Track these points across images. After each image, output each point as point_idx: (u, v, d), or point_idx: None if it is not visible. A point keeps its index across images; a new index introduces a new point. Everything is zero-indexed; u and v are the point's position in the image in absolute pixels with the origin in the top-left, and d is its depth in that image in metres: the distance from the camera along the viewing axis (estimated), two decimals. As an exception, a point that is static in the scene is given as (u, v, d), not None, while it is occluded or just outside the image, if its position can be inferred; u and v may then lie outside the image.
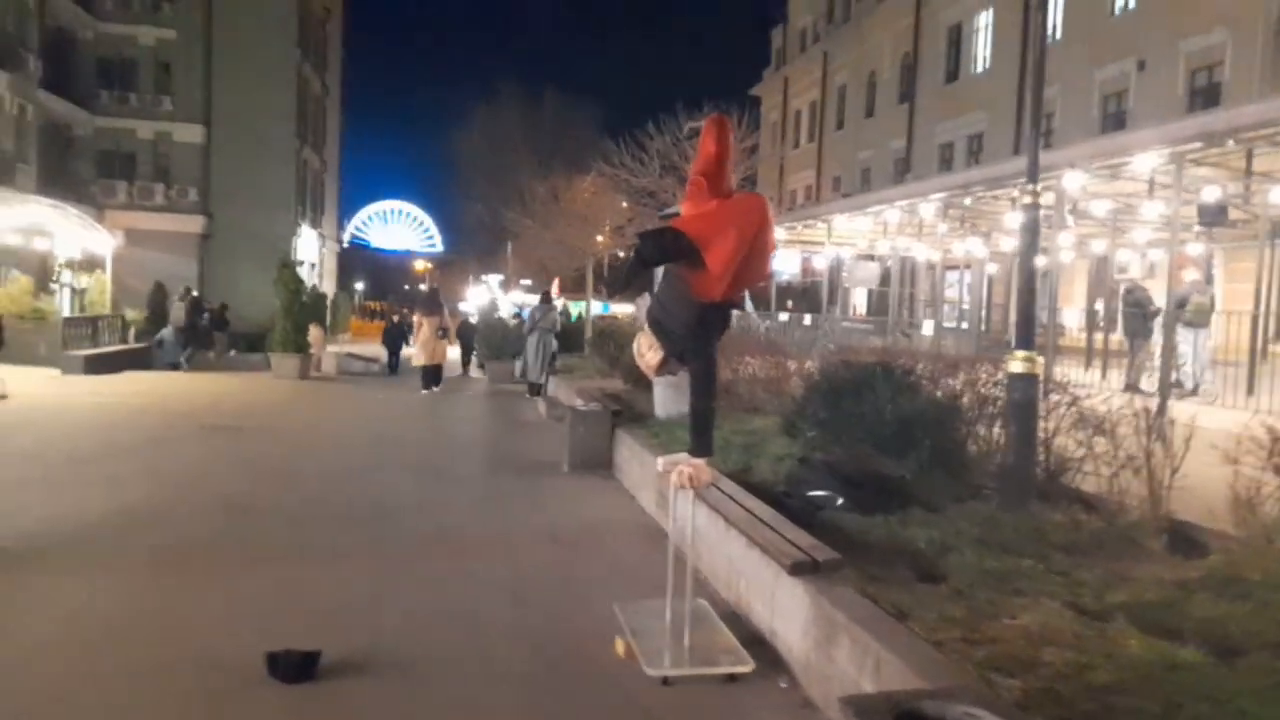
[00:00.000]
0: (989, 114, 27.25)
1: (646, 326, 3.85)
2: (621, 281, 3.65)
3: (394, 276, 76.32)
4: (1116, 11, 22.64)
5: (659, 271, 8.63)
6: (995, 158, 25.84)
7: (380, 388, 16.77)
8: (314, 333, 18.25)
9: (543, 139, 41.95)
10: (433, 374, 15.15)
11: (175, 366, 18.59)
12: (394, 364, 20.79)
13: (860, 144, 34.53)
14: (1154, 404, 8.75)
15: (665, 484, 5.64)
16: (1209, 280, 14.27)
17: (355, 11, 49.32)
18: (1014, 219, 15.95)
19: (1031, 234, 4.77)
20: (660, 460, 4.11)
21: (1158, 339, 12.18)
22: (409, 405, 14.01)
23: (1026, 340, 4.75)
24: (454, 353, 19.99)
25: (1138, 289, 12.46)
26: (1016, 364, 4.71)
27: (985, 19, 27.97)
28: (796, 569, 3.74)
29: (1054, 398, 5.20)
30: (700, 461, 3.84)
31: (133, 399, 12.99)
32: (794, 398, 6.44)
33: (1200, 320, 10.75)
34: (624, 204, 21.72)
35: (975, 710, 2.23)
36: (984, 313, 23.11)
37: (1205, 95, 20.09)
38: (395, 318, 27.35)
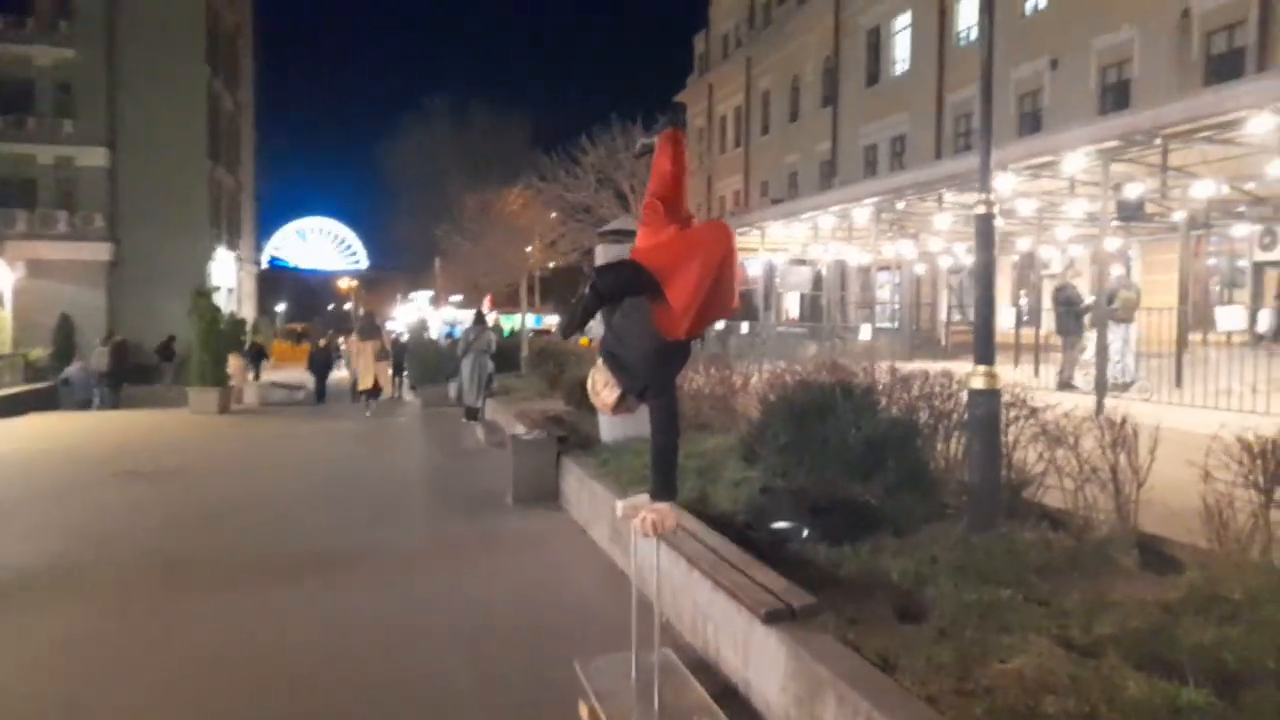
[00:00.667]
0: (910, 115, 27.74)
1: (600, 361, 3.56)
2: (575, 319, 3.32)
3: (317, 297, 74.46)
4: (1029, 11, 23.24)
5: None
6: (917, 158, 26.33)
7: (307, 418, 16.10)
8: (233, 363, 17.46)
9: (471, 150, 41.28)
10: (373, 394, 16.44)
11: (85, 405, 17.57)
12: (321, 391, 20.01)
13: (786, 148, 34.85)
14: (1090, 401, 8.89)
15: (625, 525, 5.39)
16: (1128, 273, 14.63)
17: (267, 26, 47.79)
18: (942, 220, 16.17)
19: (987, 243, 4.63)
20: (619, 505, 3.82)
21: (1089, 336, 12.42)
22: (340, 436, 13.43)
23: (986, 355, 4.60)
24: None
25: (1068, 287, 12.65)
26: (978, 379, 4.56)
27: (903, 21, 28.49)
28: (771, 617, 3.50)
29: (1011, 411, 5.07)
30: (664, 506, 3.56)
31: (37, 443, 12.18)
32: (749, 420, 6.23)
33: (1128, 315, 10.94)
34: (553, 215, 21.40)
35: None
36: (914, 312, 23.51)
37: (1116, 92, 20.76)
38: (321, 341, 26.15)
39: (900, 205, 14.30)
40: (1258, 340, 14.66)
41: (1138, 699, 2.73)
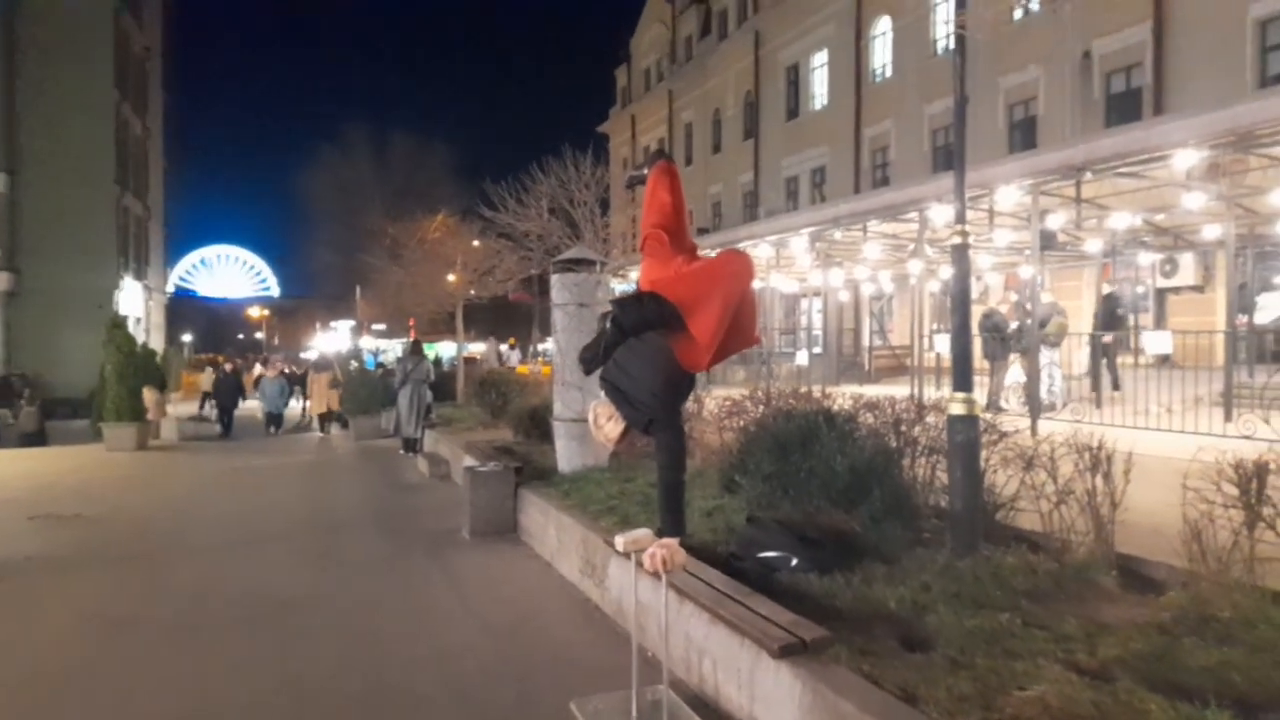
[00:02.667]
0: (830, 148, 28.57)
1: (603, 395, 3.48)
2: (598, 355, 3.24)
3: (226, 326, 71.98)
4: (939, 51, 24.27)
5: (556, 317, 8.22)
6: (837, 190, 27.10)
7: (231, 453, 15.37)
8: (149, 396, 16.59)
9: (392, 179, 40.70)
10: (327, 418, 18.81)
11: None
12: (228, 423, 18.89)
13: (710, 179, 35.45)
14: (1023, 423, 9.22)
15: (598, 559, 5.26)
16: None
17: (178, 51, 46.27)
18: (872, 249, 16.64)
19: (962, 272, 4.74)
20: (619, 540, 3.73)
21: (1012, 360, 12.91)
22: (273, 472, 12.86)
23: (964, 381, 4.70)
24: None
25: (995, 313, 13.12)
26: (957, 406, 4.65)
27: (820, 59, 29.41)
28: (785, 651, 3.44)
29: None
30: (672, 541, 3.50)
31: (-64, 488, 11.26)
32: (725, 449, 6.21)
33: (1059, 340, 11.41)
34: (475, 244, 21.18)
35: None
36: (838, 338, 24.06)
37: (1023, 128, 21.84)
38: (228, 366, 24.53)
39: (838, 235, 14.64)
40: (1162, 362, 15.49)
41: (1165, 722, 2.77)
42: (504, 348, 31.57)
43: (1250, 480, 3.72)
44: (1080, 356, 14.42)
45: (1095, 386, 12.29)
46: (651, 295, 3.24)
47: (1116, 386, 12.48)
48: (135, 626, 5.48)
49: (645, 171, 3.75)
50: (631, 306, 3.29)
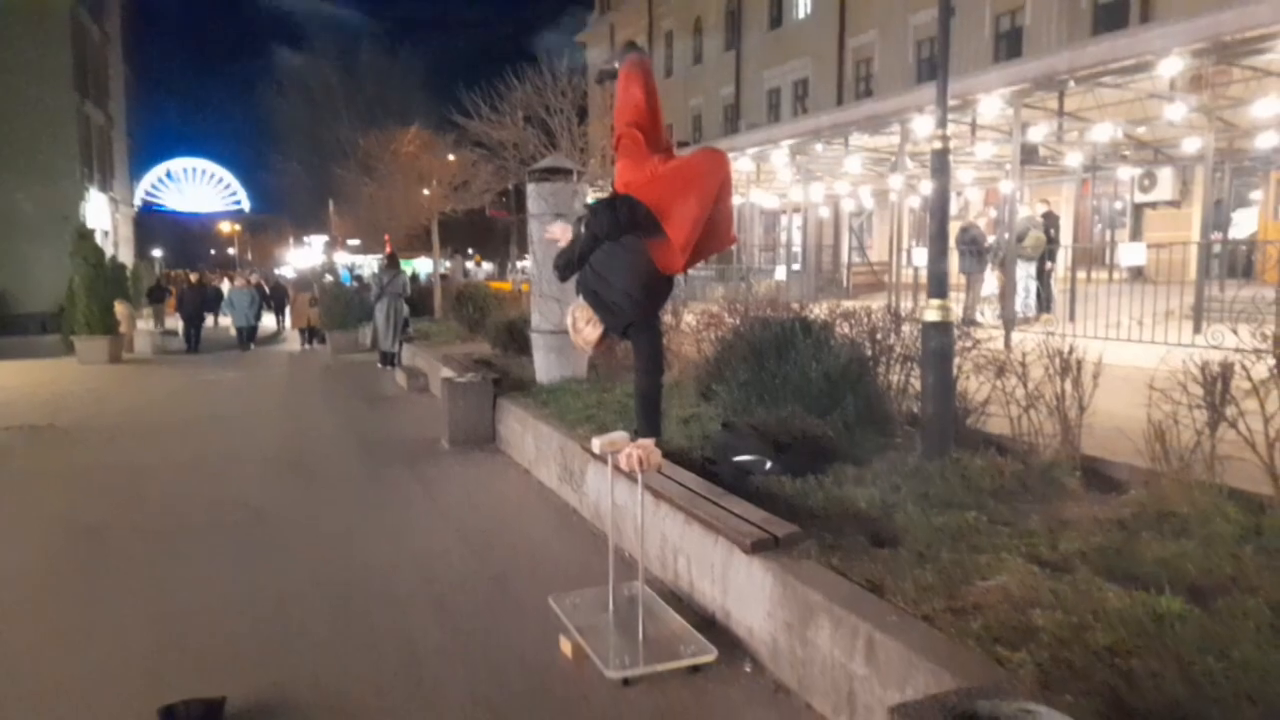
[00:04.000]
0: (813, 60, 27.95)
1: (580, 299, 3.46)
2: (572, 261, 3.20)
3: (197, 242, 70.62)
4: (928, -42, 23.55)
5: (532, 229, 8.11)
6: (819, 103, 26.62)
7: (208, 367, 15.25)
8: (120, 310, 16.35)
9: (362, 90, 39.51)
10: (308, 333, 18.77)
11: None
12: (194, 338, 18.45)
13: (690, 91, 34.66)
14: (997, 335, 9.32)
15: (575, 464, 5.33)
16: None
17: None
18: (853, 164, 16.46)
19: (943, 178, 4.70)
20: (596, 442, 3.77)
21: (989, 274, 12.97)
22: (249, 386, 12.81)
23: (940, 289, 4.71)
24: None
25: (973, 227, 13.11)
26: (932, 313, 4.67)
27: (805, -36, 28.48)
28: (756, 547, 3.53)
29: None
30: (649, 442, 3.53)
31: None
32: (700, 359, 6.23)
33: (1036, 253, 11.44)
34: (451, 158, 20.70)
35: (1030, 706, 2.09)
36: (817, 255, 23.99)
37: (1009, 39, 21.44)
38: (193, 277, 23.63)
39: (819, 148, 14.45)
40: (1135, 276, 15.63)
41: (1121, 610, 2.87)
42: (470, 264, 31.32)
43: (1215, 381, 3.79)
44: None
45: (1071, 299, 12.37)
46: (625, 198, 3.18)
47: (1048, 308, 12.46)
48: (108, 533, 5.51)
49: (616, 66, 3.63)
50: (605, 211, 3.23)
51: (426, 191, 20.63)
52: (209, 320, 21.34)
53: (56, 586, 4.65)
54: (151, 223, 58.19)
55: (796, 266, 23.31)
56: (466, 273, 27.69)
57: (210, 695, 3.23)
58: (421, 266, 35.08)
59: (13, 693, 3.45)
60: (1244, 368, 3.97)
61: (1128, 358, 7.11)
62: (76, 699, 3.38)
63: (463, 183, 18.68)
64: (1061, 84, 9.54)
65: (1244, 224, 17.33)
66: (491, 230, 44.70)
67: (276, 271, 31.64)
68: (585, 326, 3.45)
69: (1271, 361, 3.82)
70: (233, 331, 19.25)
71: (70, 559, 5.07)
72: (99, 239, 18.38)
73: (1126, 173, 17.36)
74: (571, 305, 3.56)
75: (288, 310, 20.36)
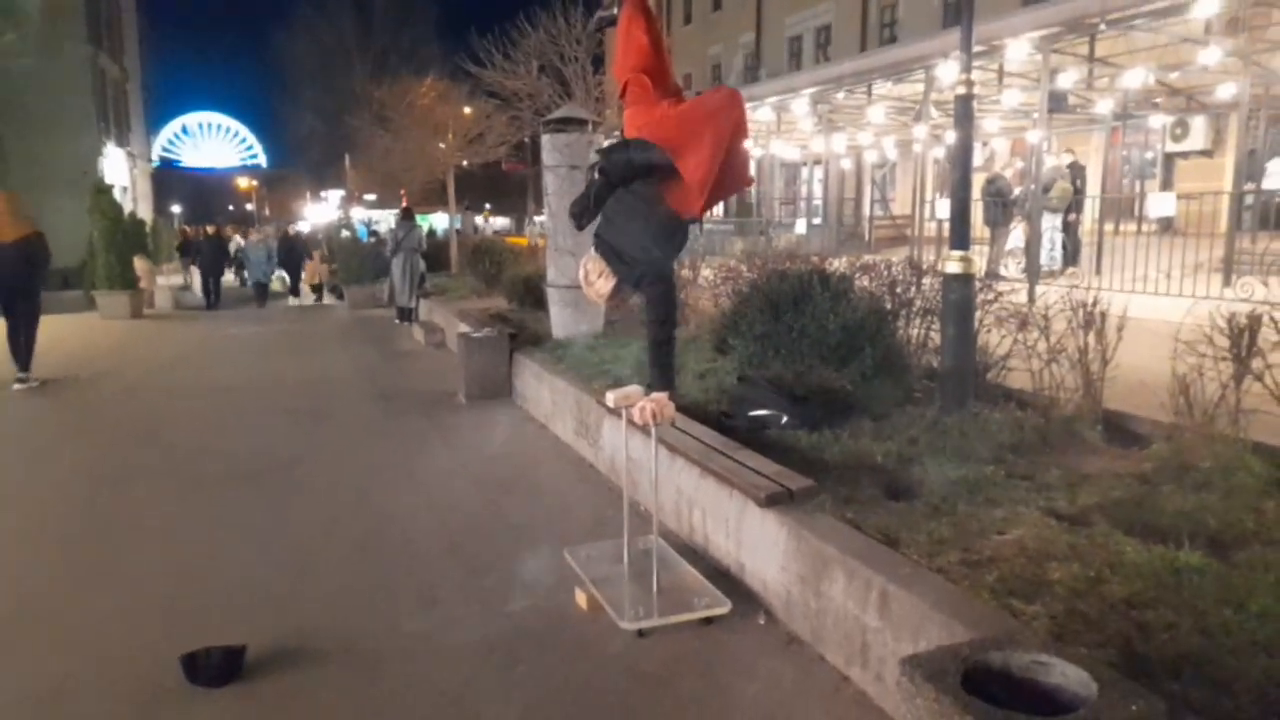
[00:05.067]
0: (836, 5, 27.26)
1: (593, 250, 3.42)
2: (588, 207, 3.15)
3: (215, 197, 70.65)
4: (953, -102, 22.78)
5: (547, 180, 8.03)
6: (842, 50, 26.04)
7: (226, 322, 15.36)
8: (140, 265, 16.45)
9: (375, 39, 39.12)
10: (318, 288, 19.02)
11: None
12: (214, 292, 17.70)
13: (710, 39, 33.99)
14: (1019, 288, 9.19)
15: (591, 419, 5.32)
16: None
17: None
18: (875, 114, 16.12)
19: (966, 125, 4.58)
20: (610, 395, 3.75)
21: (1014, 226, 12.73)
22: (271, 340, 12.90)
23: (962, 240, 4.62)
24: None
25: (999, 179, 12.86)
26: (953, 264, 4.59)
27: (829, -95, 27.64)
28: (771, 500, 3.52)
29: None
30: (662, 396, 3.51)
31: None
32: (717, 312, 6.18)
33: (1063, 204, 11.21)
34: (467, 111, 20.48)
35: (1043, 657, 2.08)
36: (838, 208, 23.67)
37: (1040, -18, 20.77)
38: (209, 229, 22.26)
39: (840, 96, 14.15)
40: (1165, 228, 15.31)
41: (1138, 562, 2.85)
42: (479, 219, 31.15)
43: (1242, 334, 3.71)
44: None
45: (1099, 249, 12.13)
46: (637, 141, 3.12)
47: (1074, 260, 12.24)
48: (130, 481, 5.61)
49: (615, 11, 3.52)
50: (617, 154, 3.17)
51: (442, 145, 20.48)
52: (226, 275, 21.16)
53: (78, 533, 4.73)
54: (169, 178, 58.29)
55: (817, 220, 23.05)
56: (476, 228, 27.36)
57: (230, 643, 3.28)
58: (438, 221, 34.99)
59: (36, 635, 3.53)
60: (1273, 320, 3.88)
61: (1154, 311, 6.98)
62: (98, 643, 3.45)
63: (478, 135, 18.51)
64: (1092, 27, 9.25)
65: (1278, 174, 16.87)
66: (508, 184, 44.44)
67: (292, 228, 31.54)
68: (598, 279, 3.41)
69: (1302, 313, 3.74)
70: (249, 286, 19.08)
71: (92, 506, 5.15)
72: (117, 194, 18.43)
73: (1158, 121, 16.90)
74: (584, 257, 3.52)
75: (305, 265, 20.11)
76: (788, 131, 19.30)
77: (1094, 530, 3.17)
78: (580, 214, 3.23)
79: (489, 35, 13.79)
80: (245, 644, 3.28)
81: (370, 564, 4.20)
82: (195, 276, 19.54)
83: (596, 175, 3.10)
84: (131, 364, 10.54)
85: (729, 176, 3.10)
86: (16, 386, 8.61)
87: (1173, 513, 3.28)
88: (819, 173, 24.28)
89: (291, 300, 19.12)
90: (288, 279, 20.08)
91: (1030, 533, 3.16)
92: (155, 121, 50.00)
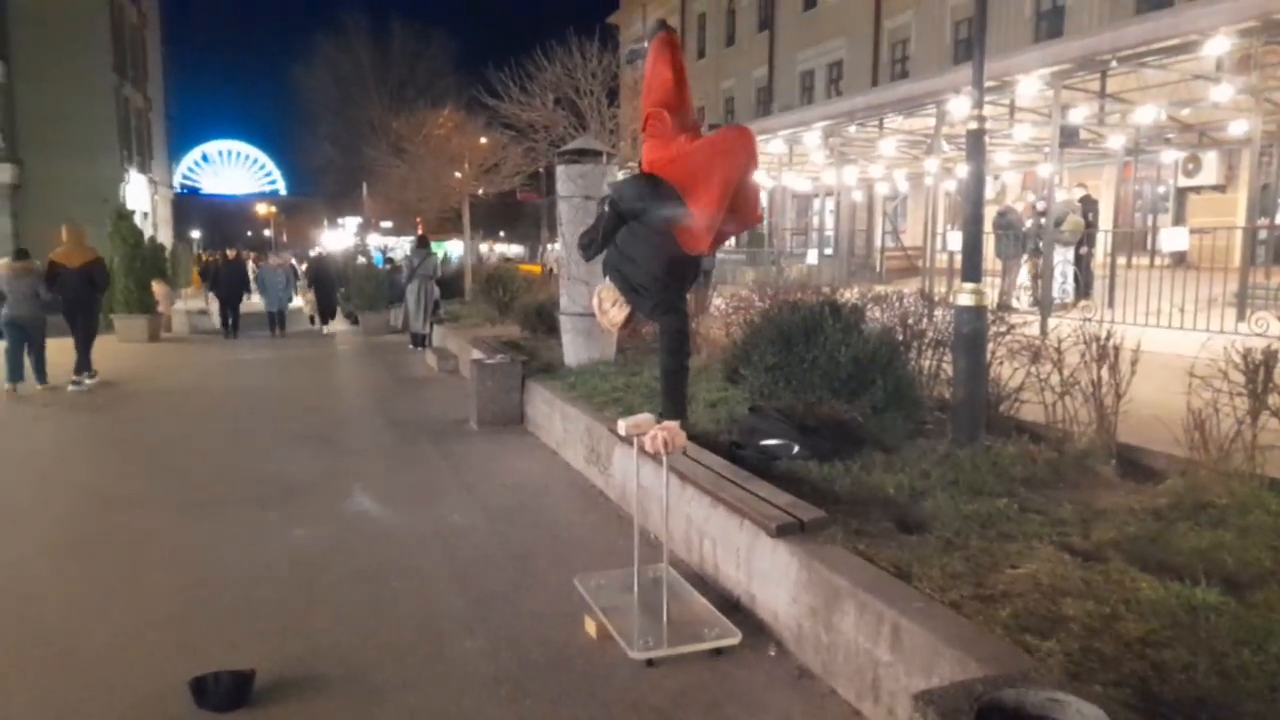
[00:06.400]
0: (848, 41, 27.56)
1: (607, 280, 3.44)
2: (597, 240, 3.18)
3: (234, 223, 71.46)
4: (966, -63, 23.08)
5: (561, 210, 8.10)
6: (854, 86, 26.27)
7: (242, 348, 15.46)
8: (158, 289, 16.62)
9: (393, 72, 39.73)
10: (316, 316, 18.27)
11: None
12: (233, 322, 16.84)
13: (722, 73, 34.37)
14: (1031, 320, 9.16)
15: (602, 447, 5.33)
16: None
17: (168, -70, 44.27)
18: (887, 146, 16.22)
19: (978, 159, 4.60)
20: (621, 424, 3.75)
21: (1025, 259, 12.72)
22: (285, 365, 12.96)
23: (974, 272, 4.63)
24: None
25: (1010, 211, 12.89)
26: (965, 297, 4.59)
27: (841, -57, 28.02)
28: (782, 531, 3.50)
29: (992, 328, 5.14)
30: (673, 425, 3.51)
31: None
32: (729, 342, 6.20)
33: (1074, 238, 11.21)
34: (484, 141, 20.71)
35: (1058, 695, 2.05)
36: (850, 239, 23.73)
37: (1050, 18, 20.95)
38: (230, 252, 20.72)
39: (852, 129, 14.25)
40: (1178, 262, 15.28)
41: (1153, 600, 2.82)
42: (484, 247, 31.27)
43: (1258, 369, 3.69)
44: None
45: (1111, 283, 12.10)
46: (649, 176, 3.15)
47: (1087, 294, 12.18)
48: (143, 505, 5.63)
49: (645, 45, 3.59)
50: (629, 189, 3.21)
51: (458, 174, 20.69)
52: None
53: (88, 554, 4.75)
54: (189, 205, 59.07)
55: (829, 251, 23.10)
56: (482, 257, 26.66)
57: (236, 668, 3.27)
58: (453, 249, 35.24)
59: (44, 658, 3.52)
60: (1289, 355, 3.86)
61: (1168, 345, 6.96)
62: (105, 666, 3.45)
63: (493, 165, 18.69)
64: (1103, 64, 9.31)
65: (1291, 209, 16.83)
66: (522, 213, 44.80)
67: (323, 249, 31.25)
68: (611, 308, 3.43)
69: (1317, 349, 3.71)
70: (264, 310, 17.81)
71: (103, 528, 5.17)
72: (138, 220, 18.64)
73: (1170, 156, 16.94)
74: (599, 286, 3.54)
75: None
76: (800, 163, 19.42)
77: (1109, 566, 3.14)
78: (588, 245, 3.27)
79: (506, 68, 14.01)
80: (254, 669, 3.28)
81: (377, 591, 4.19)
82: (214, 304, 18.73)
83: (607, 209, 3.13)
84: (146, 388, 10.61)
85: (738, 214, 3.14)
86: (71, 389, 10.06)
87: (1188, 550, 3.25)
88: (830, 204, 24.36)
89: (321, 329, 17.93)
90: (316, 306, 18.66)
91: (1044, 568, 3.14)
92: (177, 149, 50.85)
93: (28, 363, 9.94)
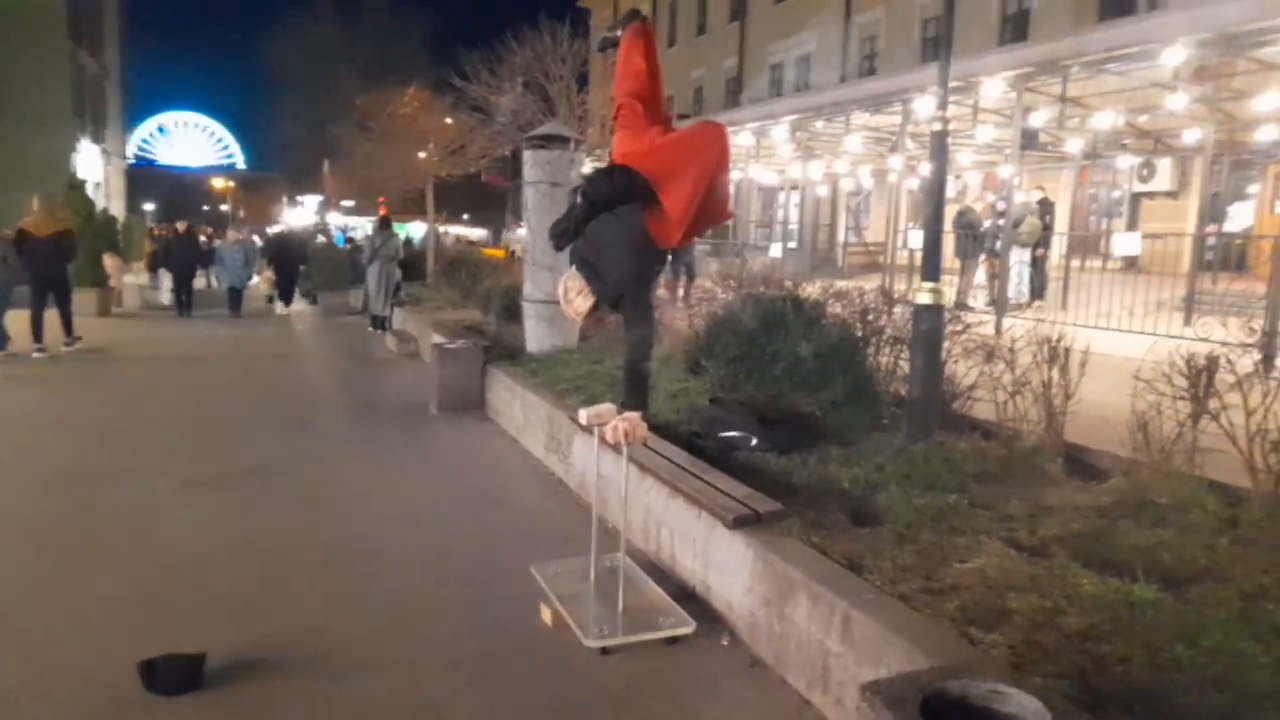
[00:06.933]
0: (818, 36, 27.66)
1: (574, 269, 3.45)
2: (568, 230, 3.18)
3: (190, 197, 69.75)
4: (938, -63, 23.27)
5: (527, 196, 8.07)
6: (823, 80, 26.42)
7: (196, 324, 15.15)
8: (110, 262, 16.21)
9: (362, 48, 39.05)
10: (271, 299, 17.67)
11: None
12: (186, 299, 16.09)
13: (693, 62, 34.33)
14: (987, 320, 9.35)
15: (562, 434, 5.34)
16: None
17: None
18: (853, 143, 16.37)
19: (940, 160, 4.68)
20: (582, 413, 3.77)
21: (983, 259, 12.95)
22: (240, 343, 12.75)
23: (933, 272, 4.71)
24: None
25: (969, 211, 13.09)
26: (924, 295, 4.67)
27: (815, -63, 28.09)
28: (738, 522, 3.55)
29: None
30: (635, 415, 3.54)
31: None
32: (691, 334, 6.24)
33: (1031, 239, 11.44)
34: (448, 121, 20.46)
35: (1000, 687, 2.12)
36: (814, 233, 23.93)
37: (1015, 22, 21.25)
38: (181, 226, 19.49)
39: (820, 125, 14.36)
40: (1129, 266, 15.66)
41: (1094, 595, 2.92)
42: (441, 229, 30.92)
43: (1200, 374, 3.82)
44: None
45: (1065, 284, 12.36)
46: (622, 169, 3.17)
47: (1041, 295, 12.42)
48: (95, 485, 5.51)
49: (618, 33, 3.59)
50: (601, 180, 3.22)
51: (423, 154, 20.42)
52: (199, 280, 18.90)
53: (46, 534, 4.66)
54: (144, 176, 57.47)
55: (793, 244, 23.26)
56: (438, 237, 25.81)
57: (191, 650, 3.24)
58: (415, 230, 34.86)
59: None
60: (1229, 361, 4.00)
61: (1117, 347, 7.12)
62: (61, 645, 3.40)
63: (459, 147, 18.49)
64: (1065, 69, 9.49)
65: (1241, 217, 17.32)
66: (487, 196, 44.42)
67: (284, 225, 30.42)
68: (576, 297, 3.44)
69: (1257, 356, 3.85)
70: (222, 289, 17.43)
71: (59, 509, 5.07)
72: (90, 190, 18.13)
73: (1126, 161, 17.33)
74: (564, 275, 3.55)
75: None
76: (766, 156, 19.53)
77: (1053, 562, 3.23)
78: (560, 235, 3.28)
79: (476, 50, 13.86)
80: (205, 652, 3.25)
81: (337, 575, 4.17)
82: (165, 280, 18.15)
83: (579, 199, 3.14)
84: (100, 367, 10.37)
85: (709, 210, 3.17)
86: (64, 349, 10.74)
87: (1129, 547, 3.36)
88: (795, 198, 24.53)
89: (279, 309, 17.34)
90: (276, 285, 17.97)
91: (991, 562, 3.23)
92: (132, 119, 49.49)
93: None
